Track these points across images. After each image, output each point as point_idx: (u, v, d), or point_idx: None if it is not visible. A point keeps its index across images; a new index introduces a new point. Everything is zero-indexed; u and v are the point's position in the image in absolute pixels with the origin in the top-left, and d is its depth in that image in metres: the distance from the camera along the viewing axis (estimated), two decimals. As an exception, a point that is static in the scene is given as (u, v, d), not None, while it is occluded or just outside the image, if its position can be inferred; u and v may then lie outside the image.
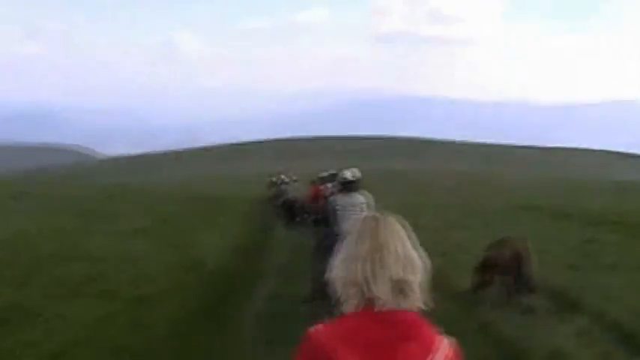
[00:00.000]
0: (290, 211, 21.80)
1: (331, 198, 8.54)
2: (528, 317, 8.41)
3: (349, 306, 1.91)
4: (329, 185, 13.19)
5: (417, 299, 1.92)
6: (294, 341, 1.93)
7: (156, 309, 8.27)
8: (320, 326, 1.89)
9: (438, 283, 8.10)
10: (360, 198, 8.13)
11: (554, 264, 12.37)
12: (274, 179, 30.35)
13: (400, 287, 1.89)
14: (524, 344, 7.27)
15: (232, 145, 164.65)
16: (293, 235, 17.82)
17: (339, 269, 1.95)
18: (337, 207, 8.11)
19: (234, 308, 8.89)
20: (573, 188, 49.54)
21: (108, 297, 8.80)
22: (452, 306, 8.90)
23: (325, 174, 16.07)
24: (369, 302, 1.88)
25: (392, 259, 1.91)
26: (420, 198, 36.33)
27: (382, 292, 1.87)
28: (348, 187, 8.26)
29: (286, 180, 25.51)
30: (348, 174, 8.35)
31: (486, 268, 10.02)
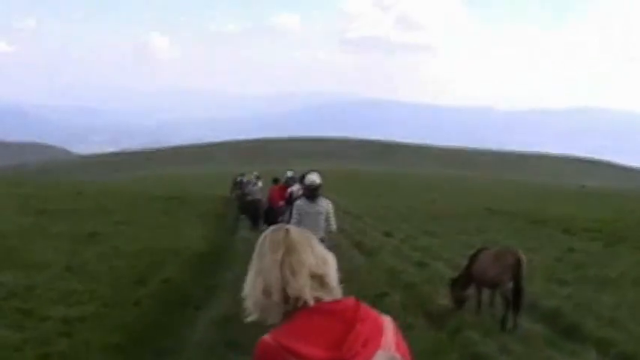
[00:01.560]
0: (256, 212, 20.47)
1: (297, 203, 8.48)
2: (528, 347, 7.24)
3: (273, 315, 1.90)
4: (295, 187, 12.66)
5: (338, 292, 1.94)
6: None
7: (83, 334, 6.77)
8: (271, 333, 1.84)
9: (415, 299, 6.85)
10: (322, 205, 8.22)
11: (542, 277, 11.39)
12: (239, 179, 28.94)
13: (320, 281, 1.91)
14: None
15: (203, 145, 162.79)
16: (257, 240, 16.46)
17: (251, 284, 1.95)
18: (302, 213, 8.16)
19: (176, 336, 7.43)
20: (542, 193, 49.27)
21: (29, 317, 7.30)
22: (436, 333, 7.75)
23: (291, 174, 15.12)
24: (299, 303, 1.87)
25: (308, 257, 1.92)
26: (387, 201, 35.50)
27: (304, 287, 1.87)
28: (313, 192, 8.25)
29: (252, 180, 24.05)
30: (316, 179, 8.30)
31: (469, 280, 8.91)
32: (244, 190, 23.74)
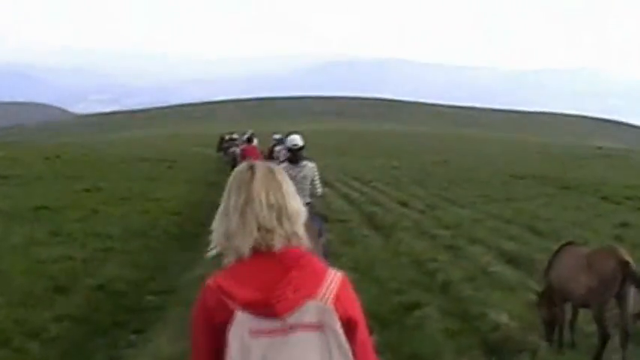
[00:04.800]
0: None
1: (281, 167, 6.69)
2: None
3: (229, 257, 1.91)
4: (278, 147, 12.43)
5: (295, 241, 1.93)
6: None
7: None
8: (214, 276, 1.89)
9: (460, 315, 3.78)
10: (307, 169, 7.88)
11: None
12: (227, 137, 25.82)
13: (267, 231, 1.88)
14: None
15: (207, 103, 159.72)
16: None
17: (218, 222, 1.95)
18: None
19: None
20: (558, 155, 46.16)
21: None
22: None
23: (278, 136, 14.50)
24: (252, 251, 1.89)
25: (264, 210, 1.89)
26: (401, 163, 32.75)
27: (246, 241, 1.87)
28: (295, 154, 7.94)
29: (242, 139, 21.28)
30: (298, 141, 7.93)
31: (552, 292, 5.84)
32: (227, 149, 21.52)
